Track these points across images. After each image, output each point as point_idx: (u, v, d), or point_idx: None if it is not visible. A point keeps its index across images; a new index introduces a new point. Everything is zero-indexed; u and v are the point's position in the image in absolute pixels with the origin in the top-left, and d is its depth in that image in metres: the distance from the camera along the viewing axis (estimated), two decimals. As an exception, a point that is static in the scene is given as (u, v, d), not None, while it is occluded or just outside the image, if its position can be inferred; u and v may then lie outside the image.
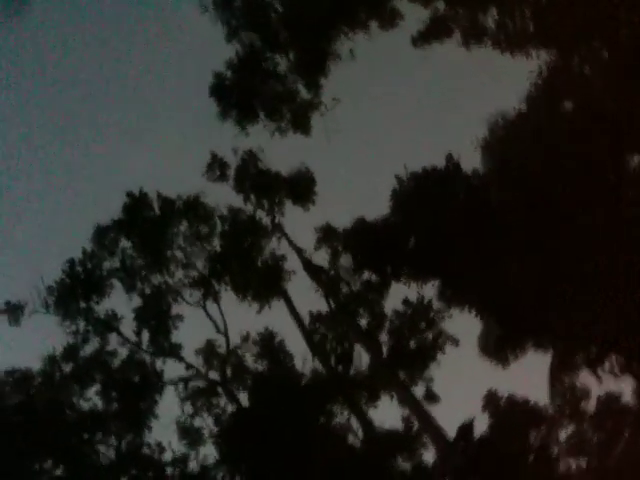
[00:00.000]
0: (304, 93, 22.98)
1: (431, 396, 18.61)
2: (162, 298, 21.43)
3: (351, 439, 18.12)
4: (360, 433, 18.09)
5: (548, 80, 18.32)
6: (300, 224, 23.09)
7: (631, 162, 16.76)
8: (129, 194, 22.05)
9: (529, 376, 19.63)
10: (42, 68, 25.87)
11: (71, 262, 21.13)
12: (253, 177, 22.42)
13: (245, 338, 21.48)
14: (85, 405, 19.51)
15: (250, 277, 21.74)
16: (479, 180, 18.78)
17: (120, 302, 21.31)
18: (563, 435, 17.43)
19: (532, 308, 16.70)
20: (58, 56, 26.25)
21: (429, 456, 17.57)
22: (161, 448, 19.03)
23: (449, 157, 19.48)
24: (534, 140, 16.49)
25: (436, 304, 20.11)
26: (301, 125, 22.53)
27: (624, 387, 17.08)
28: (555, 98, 18.27)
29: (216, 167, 22.36)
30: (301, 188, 22.77)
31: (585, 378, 17.70)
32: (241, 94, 22.92)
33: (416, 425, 17.58)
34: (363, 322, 21.10)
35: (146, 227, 21.57)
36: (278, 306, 22.07)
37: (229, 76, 23.15)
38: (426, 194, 19.26)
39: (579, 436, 17.33)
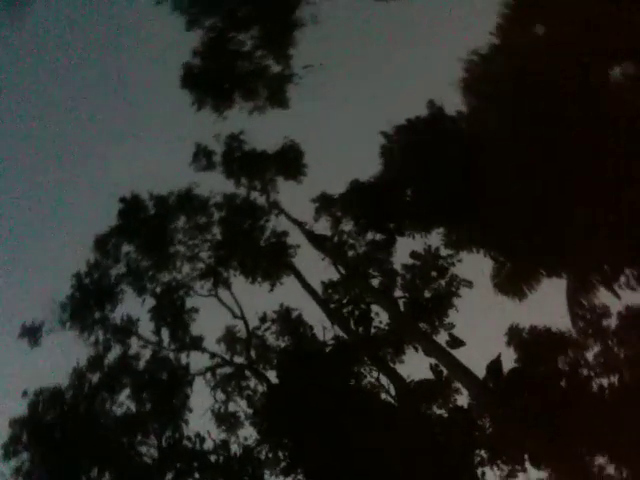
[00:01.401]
0: (275, 67, 22.95)
1: (455, 341, 18.73)
2: (174, 294, 21.59)
3: (383, 396, 18.31)
4: (391, 389, 18.30)
5: (517, 8, 18.17)
6: (296, 198, 23.15)
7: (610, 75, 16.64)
8: (122, 199, 22.12)
9: (548, 305, 19.80)
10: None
11: (78, 276, 21.28)
12: (240, 160, 22.43)
13: (263, 318, 21.64)
14: (119, 410, 19.69)
15: (256, 258, 21.83)
16: (465, 120, 18.70)
17: (134, 305, 21.53)
18: (590, 356, 17.58)
19: (540, 237, 16.75)
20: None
21: (463, 399, 17.78)
22: (201, 438, 19.22)
23: (431, 103, 19.39)
24: (510, 67, 16.40)
25: (444, 251, 20.19)
26: (278, 99, 22.45)
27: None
28: (526, 25, 18.13)
29: (202, 156, 22.40)
30: (290, 162, 22.78)
31: (603, 296, 17.81)
32: (212, 80, 22.81)
33: (445, 371, 17.75)
34: (375, 282, 21.20)
35: (144, 228, 21.68)
36: (289, 282, 22.22)
37: (197, 64, 23.03)
38: (415, 144, 19.22)
39: (606, 354, 17.45)
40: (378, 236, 21.08)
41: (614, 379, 16.44)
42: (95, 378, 20.31)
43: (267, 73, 23.19)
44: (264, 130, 23.33)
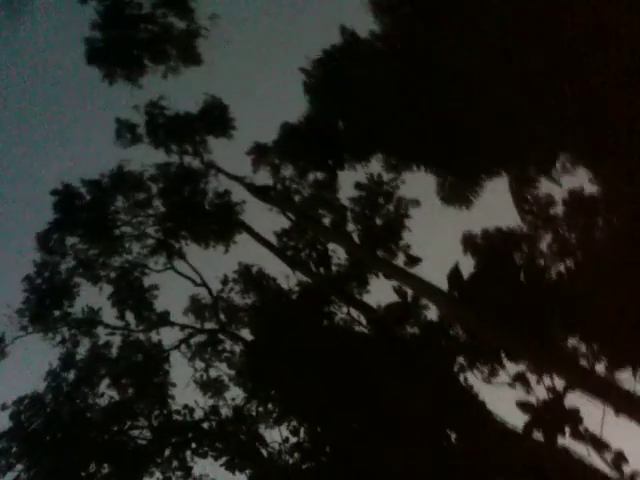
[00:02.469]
0: (179, 23, 22.13)
1: (412, 260, 19.11)
2: (130, 276, 21.27)
3: (357, 328, 18.63)
4: (362, 319, 18.62)
5: None
6: (230, 154, 22.75)
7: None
8: (54, 192, 21.38)
9: (495, 207, 20.18)
10: None
11: (28, 278, 20.71)
12: (165, 127, 21.79)
13: (224, 281, 21.55)
14: (102, 401, 19.58)
15: (204, 223, 21.57)
16: (379, 39, 18.38)
17: (92, 296, 21.19)
18: (544, 246, 18.05)
19: (474, 142, 16.83)
20: None
21: (432, 313, 18.20)
22: (190, 409, 19.32)
23: (342, 30, 18.98)
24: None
25: (386, 176, 20.28)
26: (189, 56, 21.79)
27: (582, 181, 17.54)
28: None
29: (125, 131, 21.68)
30: (216, 119, 22.25)
31: (545, 187, 18.19)
32: (118, 50, 21.91)
33: (409, 291, 18.09)
34: (326, 220, 21.26)
35: (84, 216, 21.06)
36: (243, 239, 22.11)
37: (99, 37, 22.08)
38: (335, 74, 18.91)
39: (558, 241, 17.94)
40: (319, 175, 21.00)
41: (569, 263, 16.99)
42: (71, 375, 20.11)
43: (173, 31, 22.39)
44: (183, 91, 22.71)
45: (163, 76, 21.79)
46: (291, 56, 22.09)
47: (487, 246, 17.72)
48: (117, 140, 21.69)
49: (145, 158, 21.89)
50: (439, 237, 21.19)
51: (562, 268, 17.23)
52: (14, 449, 18.29)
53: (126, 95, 22.10)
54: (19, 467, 18.18)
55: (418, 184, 20.08)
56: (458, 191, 18.23)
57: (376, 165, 20.07)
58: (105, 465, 18.54)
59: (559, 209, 17.88)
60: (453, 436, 15.34)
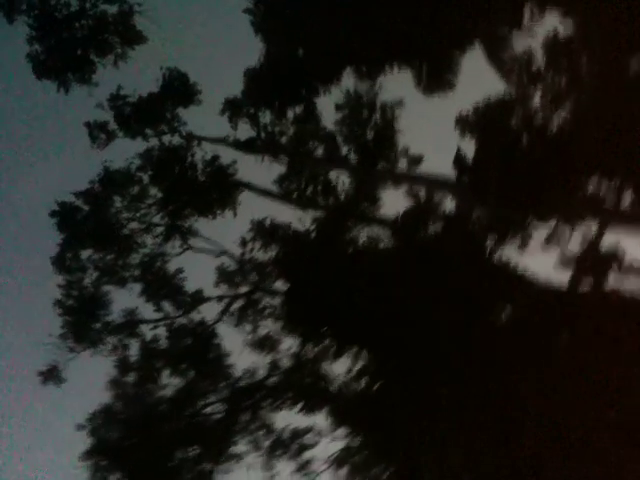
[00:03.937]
0: (111, 8, 21.45)
1: (414, 161, 18.82)
2: (152, 268, 21.41)
3: (382, 244, 18.51)
4: (385, 234, 18.45)
5: None
6: (205, 118, 22.37)
7: None
8: (52, 213, 21.41)
9: (478, 81, 19.58)
10: None
11: (58, 302, 21.04)
12: (134, 114, 21.40)
13: (243, 242, 21.59)
14: (168, 392, 20.09)
15: (204, 195, 21.45)
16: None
17: (124, 298, 21.48)
18: (537, 102, 17.49)
19: (435, 21, 16.20)
20: None
21: (449, 206, 17.95)
22: (252, 372, 19.77)
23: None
24: None
25: (361, 87, 19.77)
26: (132, 38, 21.12)
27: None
28: None
29: (97, 133, 21.38)
30: (180, 90, 21.76)
31: (518, 46, 17.51)
32: (61, 56, 21.42)
33: (421, 192, 17.85)
34: (319, 151, 20.93)
35: (89, 227, 21.09)
36: (246, 198, 21.99)
37: (39, 49, 21.59)
38: (280, 2, 18.29)
39: (549, 91, 17.34)
40: (297, 110, 20.55)
41: (567, 109, 16.45)
42: (131, 378, 20.62)
43: (108, 18, 21.73)
44: (139, 74, 22.21)
45: (114, 66, 21.26)
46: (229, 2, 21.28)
47: (482, 121, 17.25)
48: (93, 144, 21.46)
49: (126, 152, 21.75)
50: (434, 129, 20.72)
51: (561, 117, 16.72)
52: (102, 463, 18.95)
53: (86, 97, 21.79)
54: (112, 478, 18.89)
55: (396, 85, 19.56)
56: (436, 76, 17.68)
57: (349, 80, 19.56)
58: (191, 449, 19.16)
59: (540, 59, 17.24)
60: (504, 314, 15.33)
